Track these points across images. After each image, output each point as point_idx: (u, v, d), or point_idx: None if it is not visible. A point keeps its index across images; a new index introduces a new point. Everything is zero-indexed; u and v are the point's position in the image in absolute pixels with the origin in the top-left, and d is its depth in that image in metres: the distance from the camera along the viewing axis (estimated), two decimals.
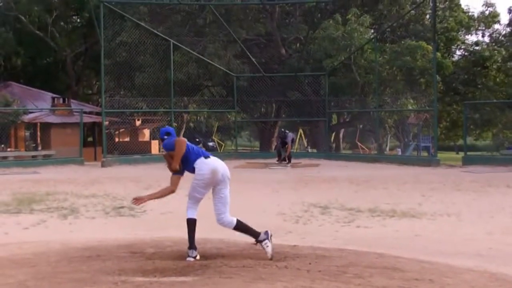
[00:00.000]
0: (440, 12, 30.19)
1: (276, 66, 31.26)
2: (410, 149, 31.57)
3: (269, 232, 6.34)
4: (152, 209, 10.09)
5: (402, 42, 28.33)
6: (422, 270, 5.73)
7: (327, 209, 10.26)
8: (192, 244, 6.21)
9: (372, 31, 30.70)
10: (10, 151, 25.38)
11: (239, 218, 6.48)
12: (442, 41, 29.63)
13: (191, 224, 6.32)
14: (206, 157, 6.48)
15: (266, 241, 6.23)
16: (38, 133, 28.69)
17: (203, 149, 24.57)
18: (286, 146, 22.12)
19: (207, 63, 28.28)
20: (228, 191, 6.49)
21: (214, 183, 6.42)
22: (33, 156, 24.99)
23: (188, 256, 6.13)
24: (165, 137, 6.63)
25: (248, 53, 27.83)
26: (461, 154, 24.32)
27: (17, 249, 6.91)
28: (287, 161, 21.56)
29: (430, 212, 9.81)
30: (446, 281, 5.32)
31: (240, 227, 6.47)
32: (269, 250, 6.15)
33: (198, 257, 6.17)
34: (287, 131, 22.99)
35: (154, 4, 28.64)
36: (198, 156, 6.43)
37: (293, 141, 22.46)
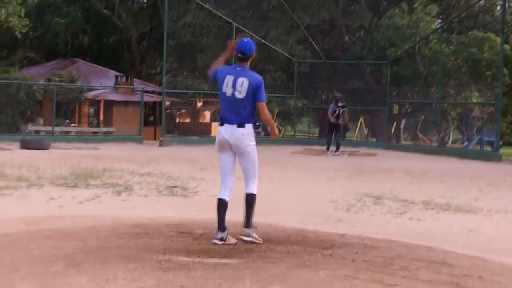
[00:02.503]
0: (511, 3, 29.33)
1: (338, 53, 31.01)
2: (473, 143, 30.86)
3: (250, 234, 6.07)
4: (205, 190, 10.16)
5: (469, 33, 27.70)
6: (472, 267, 5.60)
7: (380, 199, 10.12)
8: (218, 225, 5.98)
9: (439, 21, 30.08)
10: (73, 126, 25.96)
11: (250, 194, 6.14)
12: (511, 33, 28.80)
13: (217, 204, 6.08)
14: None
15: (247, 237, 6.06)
16: (101, 110, 29.26)
17: (262, 133, 24.51)
18: (339, 123, 21.13)
19: (269, 48, 28.22)
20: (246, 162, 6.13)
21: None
22: (94, 132, 25.52)
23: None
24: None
25: (311, 39, 27.67)
26: None
27: (70, 222, 7.04)
28: (335, 149, 20.78)
29: (486, 208, 9.55)
30: (496, 279, 5.19)
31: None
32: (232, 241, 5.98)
33: (230, 240, 5.94)
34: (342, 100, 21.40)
35: None
36: None
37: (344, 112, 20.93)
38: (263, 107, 5.97)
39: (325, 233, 6.92)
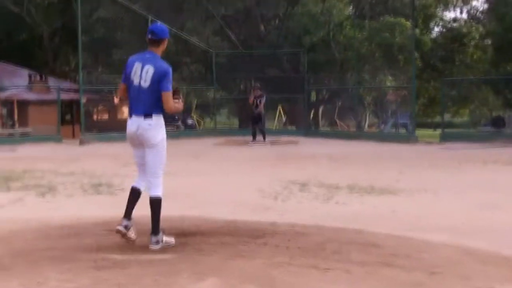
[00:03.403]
0: None
1: (255, 43, 31.14)
2: (388, 126, 31.67)
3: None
4: (130, 187, 10.06)
5: (381, 18, 28.33)
6: (399, 246, 5.81)
7: (306, 186, 10.29)
8: (125, 212, 5.70)
9: (351, 7, 30.65)
10: None
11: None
12: (421, 18, 29.66)
13: (130, 192, 5.84)
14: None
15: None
16: (15, 111, 28.41)
17: (182, 126, 24.49)
18: (260, 113, 21.55)
19: (186, 40, 28.09)
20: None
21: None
22: (10, 134, 24.79)
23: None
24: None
25: (227, 30, 27.70)
26: (439, 131, 24.50)
27: None
28: (262, 139, 21.21)
29: (407, 188, 9.88)
30: (422, 255, 5.42)
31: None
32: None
33: (132, 234, 5.64)
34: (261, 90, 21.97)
35: None
36: None
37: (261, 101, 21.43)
38: (167, 97, 5.52)
39: (256, 222, 6.99)
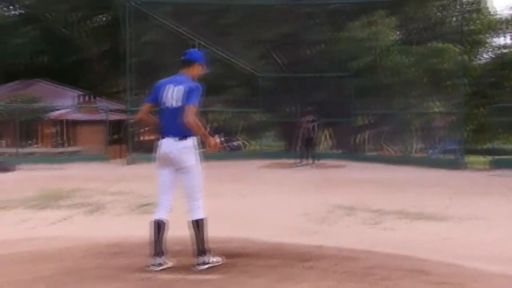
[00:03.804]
0: (467, 15, 29.87)
1: (300, 67, 31.12)
2: (436, 152, 31.23)
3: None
4: (177, 207, 10.11)
5: (429, 44, 28.07)
6: (450, 274, 5.65)
7: (352, 210, 10.19)
8: (155, 249, 5.61)
9: (398, 32, 30.46)
10: (37, 147, 25.61)
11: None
12: (469, 44, 29.30)
13: (153, 226, 5.71)
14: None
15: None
16: (65, 130, 28.91)
17: (227, 148, 24.65)
18: (312, 137, 21.50)
19: (232, 63, 28.27)
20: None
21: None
22: (59, 153, 25.20)
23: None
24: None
25: (273, 54, 27.80)
26: (488, 157, 24.05)
27: (44, 244, 6.96)
28: (311, 161, 21.27)
29: (457, 215, 9.69)
30: (475, 285, 5.24)
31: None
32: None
33: (168, 264, 5.58)
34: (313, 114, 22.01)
35: (179, 3, 28.65)
36: None
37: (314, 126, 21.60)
38: (187, 109, 5.43)
39: (302, 246, 6.93)
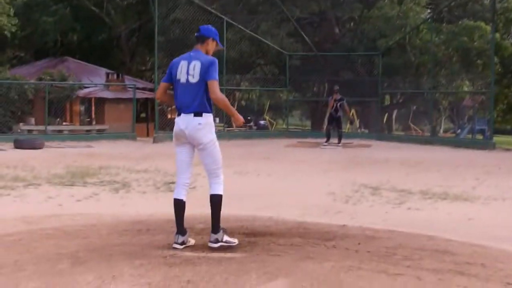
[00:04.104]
0: None
1: (329, 45, 30.96)
2: (465, 132, 30.96)
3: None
4: (202, 185, 10.13)
5: (459, 22, 27.72)
6: (474, 254, 5.62)
7: (377, 190, 10.15)
8: (177, 228, 5.62)
9: (429, 10, 30.09)
10: (65, 125, 25.86)
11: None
12: (501, 22, 28.84)
13: (174, 205, 5.72)
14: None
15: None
16: (93, 108, 29.16)
17: (255, 127, 24.82)
18: (340, 116, 21.48)
19: (260, 41, 28.20)
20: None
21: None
22: (87, 131, 25.44)
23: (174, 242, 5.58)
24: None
25: (301, 32, 27.67)
26: None
27: (70, 221, 7.04)
28: (337, 141, 21.21)
29: (484, 196, 9.60)
30: (498, 266, 5.19)
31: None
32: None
33: (190, 242, 5.63)
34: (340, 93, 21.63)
35: None
36: None
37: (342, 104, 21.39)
38: (213, 85, 5.44)
39: (326, 225, 6.94)
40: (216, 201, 5.57)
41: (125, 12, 38.93)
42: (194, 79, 5.48)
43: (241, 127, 5.83)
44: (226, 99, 5.58)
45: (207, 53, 5.68)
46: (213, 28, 5.81)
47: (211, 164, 5.60)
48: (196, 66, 5.49)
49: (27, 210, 7.83)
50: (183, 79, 5.54)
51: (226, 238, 5.58)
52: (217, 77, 5.50)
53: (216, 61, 5.55)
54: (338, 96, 21.13)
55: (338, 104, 21.05)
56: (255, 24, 29.06)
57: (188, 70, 5.51)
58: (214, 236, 5.52)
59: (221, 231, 5.57)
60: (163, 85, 5.83)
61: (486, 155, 18.33)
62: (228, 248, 5.53)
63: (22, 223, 6.84)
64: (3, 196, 9.10)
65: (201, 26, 5.80)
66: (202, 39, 5.70)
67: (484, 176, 12.50)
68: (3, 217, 7.25)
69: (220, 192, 5.60)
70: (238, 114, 5.75)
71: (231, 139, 22.33)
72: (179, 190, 5.70)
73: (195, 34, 5.73)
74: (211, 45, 5.75)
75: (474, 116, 32.66)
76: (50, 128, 23.24)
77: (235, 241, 5.63)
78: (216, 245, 5.49)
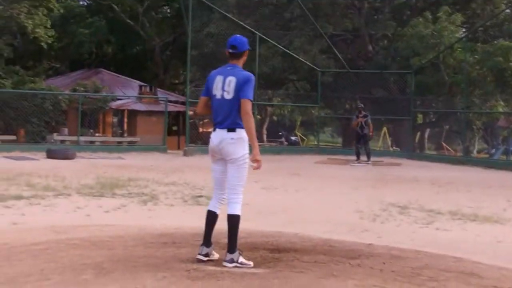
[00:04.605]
0: None
1: (362, 63, 30.93)
2: (499, 153, 30.57)
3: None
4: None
5: (495, 42, 27.45)
6: (502, 278, 5.53)
7: (406, 209, 10.06)
8: (204, 239, 5.63)
9: (463, 30, 29.87)
10: (98, 136, 26.14)
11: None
12: None
13: (206, 216, 5.72)
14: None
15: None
16: (125, 120, 29.43)
17: (286, 143, 24.85)
18: (366, 133, 21.36)
19: (293, 57, 28.25)
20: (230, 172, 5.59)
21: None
22: (118, 142, 25.66)
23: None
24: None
25: (334, 49, 27.67)
26: None
27: (97, 231, 7.10)
28: (367, 159, 21.14)
29: None
30: None
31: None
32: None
33: (214, 256, 5.62)
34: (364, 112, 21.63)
35: None
36: None
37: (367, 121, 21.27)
38: (246, 104, 5.35)
39: (352, 243, 6.90)
40: (233, 221, 5.47)
41: (159, 26, 39.35)
42: (229, 95, 5.44)
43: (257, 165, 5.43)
44: (252, 123, 5.44)
45: (242, 65, 5.63)
46: (244, 38, 5.72)
47: (235, 179, 5.52)
48: (231, 82, 5.43)
49: (56, 220, 7.92)
50: (218, 95, 5.51)
51: (241, 259, 5.45)
52: (251, 96, 5.42)
53: (253, 78, 5.50)
54: (362, 114, 21.12)
55: (363, 122, 20.99)
56: (288, 40, 29.15)
57: (224, 85, 5.46)
58: (229, 256, 5.42)
59: (237, 251, 5.46)
60: (202, 99, 5.78)
61: None
62: (253, 262, 5.51)
63: (50, 233, 6.91)
64: (33, 205, 9.22)
65: (233, 41, 5.63)
66: (240, 55, 5.62)
67: None
68: (32, 226, 7.36)
69: (238, 213, 5.50)
70: (258, 150, 5.48)
71: (262, 154, 22.25)
72: (214, 203, 5.71)
73: (230, 51, 5.59)
74: (246, 56, 5.70)
75: (508, 137, 32.27)
76: (82, 138, 23.51)
77: (250, 263, 5.48)
78: (231, 265, 5.38)
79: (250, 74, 5.51)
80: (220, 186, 5.68)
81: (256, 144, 5.50)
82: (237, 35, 5.78)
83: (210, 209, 5.70)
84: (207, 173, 15.20)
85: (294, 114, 37.56)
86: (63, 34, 33.76)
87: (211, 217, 5.64)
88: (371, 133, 21.55)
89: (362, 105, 21.72)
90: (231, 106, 5.43)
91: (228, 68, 5.57)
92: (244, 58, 5.68)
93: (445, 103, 27.63)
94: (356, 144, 21.96)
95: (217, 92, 5.52)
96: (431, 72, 27.74)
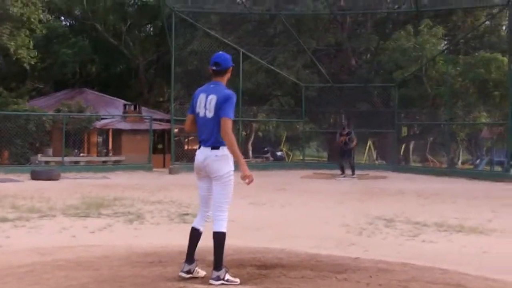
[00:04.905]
0: None
1: (345, 77, 31.02)
2: (483, 164, 30.73)
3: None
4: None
5: (476, 54, 27.69)
6: None
7: (392, 222, 10.09)
8: (187, 256, 5.66)
9: (445, 42, 30.11)
10: (83, 156, 26.03)
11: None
12: None
13: (190, 233, 5.74)
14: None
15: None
16: (110, 139, 29.34)
17: (271, 158, 24.98)
18: (349, 140, 21.47)
19: (276, 73, 28.34)
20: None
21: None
22: (103, 162, 25.54)
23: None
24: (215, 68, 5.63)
25: (318, 64, 27.80)
26: None
27: (83, 252, 7.06)
28: (351, 172, 21.23)
29: (500, 229, 9.51)
30: None
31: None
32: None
33: (199, 273, 5.62)
34: (348, 128, 22.12)
35: (225, 13, 28.83)
36: None
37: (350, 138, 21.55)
38: (225, 124, 5.35)
39: (339, 257, 6.90)
40: (219, 238, 5.45)
41: (143, 44, 39.37)
42: (210, 113, 5.45)
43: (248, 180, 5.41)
44: (234, 141, 5.41)
45: (225, 82, 5.63)
46: (227, 55, 5.72)
47: (220, 197, 5.51)
48: (212, 101, 5.44)
49: (41, 241, 7.87)
50: (201, 113, 5.53)
51: (228, 277, 5.42)
52: (231, 114, 5.41)
53: (234, 96, 5.48)
54: (345, 131, 21.38)
55: (347, 138, 21.20)
56: (272, 55, 29.25)
57: (206, 104, 5.48)
58: (216, 274, 5.40)
59: (224, 269, 5.44)
60: (189, 116, 5.78)
61: (504, 187, 18.15)
62: (240, 279, 5.50)
63: (36, 254, 6.87)
64: (18, 227, 9.16)
65: (216, 58, 5.63)
66: (224, 72, 5.63)
67: (501, 208, 12.39)
68: (17, 248, 7.31)
69: (224, 230, 5.48)
70: (246, 166, 5.44)
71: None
72: (198, 220, 5.74)
73: (213, 68, 5.58)
74: (229, 73, 5.70)
75: (492, 147, 32.44)
76: (67, 159, 23.39)
77: (237, 280, 5.45)
78: (217, 283, 5.36)
79: (231, 92, 5.50)
80: (205, 203, 5.69)
81: (242, 160, 5.48)
82: (220, 52, 5.81)
83: (194, 226, 5.71)
84: (193, 191, 15.15)
85: (279, 129, 37.54)
86: (46, 55, 33.63)
87: (195, 234, 5.65)
88: (354, 144, 21.63)
89: (346, 122, 21.99)
90: (213, 124, 5.44)
91: (211, 86, 5.58)
92: (228, 75, 5.67)
93: (428, 115, 27.78)
94: (340, 159, 22.07)
95: (200, 110, 5.54)
96: (414, 85, 27.90)
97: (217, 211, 5.53)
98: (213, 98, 5.45)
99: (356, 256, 7.02)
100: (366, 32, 31.99)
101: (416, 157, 37.23)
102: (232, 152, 5.43)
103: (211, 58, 5.65)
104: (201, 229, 5.67)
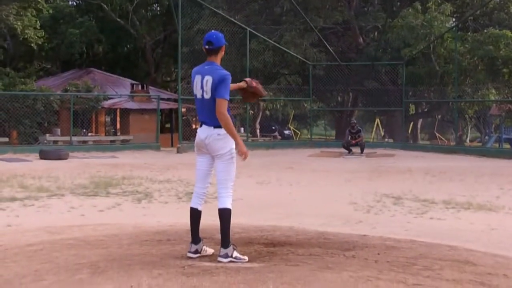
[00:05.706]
0: None
1: (353, 55, 30.91)
2: (491, 141, 30.65)
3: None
4: None
5: (485, 31, 27.47)
6: (496, 265, 5.55)
7: (400, 199, 10.10)
8: (192, 236, 5.67)
9: (453, 19, 29.88)
10: (91, 135, 26.09)
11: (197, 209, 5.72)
12: None
13: (190, 214, 5.75)
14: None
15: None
16: (118, 119, 29.39)
17: (279, 137, 25.10)
18: (358, 137, 21.65)
19: (284, 52, 28.22)
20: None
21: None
22: (111, 141, 25.60)
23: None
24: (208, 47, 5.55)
25: (325, 42, 27.66)
26: None
27: (92, 231, 7.10)
28: (360, 151, 21.25)
29: (508, 205, 9.50)
30: None
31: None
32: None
33: (207, 252, 5.66)
34: (357, 125, 22.40)
35: None
36: None
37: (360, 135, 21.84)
38: (220, 104, 5.34)
39: (347, 235, 6.91)
40: (225, 215, 5.47)
41: (150, 24, 39.27)
42: (207, 95, 5.44)
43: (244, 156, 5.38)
44: (229, 121, 5.39)
45: (220, 61, 5.60)
46: (220, 33, 5.65)
47: (223, 174, 5.53)
48: (208, 82, 5.41)
49: (50, 221, 7.92)
50: (199, 95, 5.52)
51: (236, 254, 5.44)
52: (226, 95, 5.38)
53: (229, 77, 5.45)
54: (354, 130, 21.46)
55: (357, 135, 21.37)
56: (279, 34, 29.12)
57: (202, 85, 5.46)
58: (224, 251, 5.41)
59: (231, 246, 5.45)
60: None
61: None
62: (248, 256, 5.52)
63: (45, 233, 6.91)
64: (27, 206, 9.21)
65: (208, 36, 5.55)
66: (216, 51, 5.58)
67: (509, 185, 12.35)
68: (26, 228, 7.36)
69: (229, 206, 5.49)
70: (243, 145, 5.51)
71: (255, 148, 22.36)
72: (195, 200, 5.73)
73: (206, 47, 5.52)
74: (223, 51, 5.66)
75: (501, 125, 32.35)
76: (75, 139, 23.44)
77: (245, 258, 5.47)
78: (225, 260, 5.37)
79: (226, 72, 5.46)
80: (202, 180, 5.70)
81: (239, 140, 5.50)
82: (213, 31, 5.75)
83: (192, 206, 5.73)
84: None
85: (286, 108, 37.52)
86: (53, 35, 33.65)
87: (195, 214, 5.68)
88: (360, 139, 21.80)
89: (355, 121, 22.09)
90: (211, 105, 5.42)
91: (206, 67, 5.53)
92: (222, 53, 5.63)
93: (437, 93, 27.66)
94: (347, 139, 21.98)
95: (197, 92, 5.53)
96: (422, 63, 27.73)
97: (221, 189, 5.54)
98: (208, 79, 5.42)
99: (364, 233, 7.04)
100: (374, 9, 31.80)
101: (424, 135, 37.18)
102: (228, 131, 5.41)
103: (204, 37, 5.59)
104: (200, 208, 5.70)
